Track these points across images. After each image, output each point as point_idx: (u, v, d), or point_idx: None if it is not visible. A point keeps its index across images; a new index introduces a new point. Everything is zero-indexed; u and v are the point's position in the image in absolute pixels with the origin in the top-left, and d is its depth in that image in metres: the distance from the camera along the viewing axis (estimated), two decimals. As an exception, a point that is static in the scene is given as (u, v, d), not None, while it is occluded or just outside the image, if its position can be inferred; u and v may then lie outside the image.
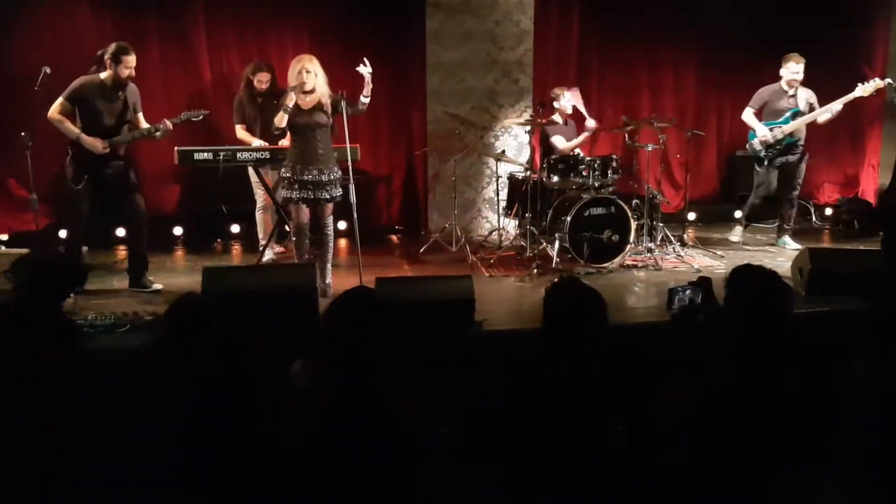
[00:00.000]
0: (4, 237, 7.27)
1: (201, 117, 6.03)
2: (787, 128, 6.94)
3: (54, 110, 5.62)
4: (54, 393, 3.13)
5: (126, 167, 5.89)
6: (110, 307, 5.30)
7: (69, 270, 3.67)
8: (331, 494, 2.76)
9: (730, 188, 9.07)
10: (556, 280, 3.30)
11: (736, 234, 7.45)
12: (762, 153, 7.06)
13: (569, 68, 8.35)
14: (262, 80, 6.93)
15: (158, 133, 5.82)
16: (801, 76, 6.91)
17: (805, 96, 6.99)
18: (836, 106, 6.84)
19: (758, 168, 7.19)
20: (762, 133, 7.00)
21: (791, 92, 6.96)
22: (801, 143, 7.06)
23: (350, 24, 7.82)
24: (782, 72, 6.96)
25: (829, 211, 8.51)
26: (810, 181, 8.36)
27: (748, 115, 7.18)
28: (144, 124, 5.87)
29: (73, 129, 5.62)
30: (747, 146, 7.24)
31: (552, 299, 3.06)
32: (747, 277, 3.22)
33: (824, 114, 6.92)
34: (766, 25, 8.59)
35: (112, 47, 5.65)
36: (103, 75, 5.66)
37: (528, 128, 7.19)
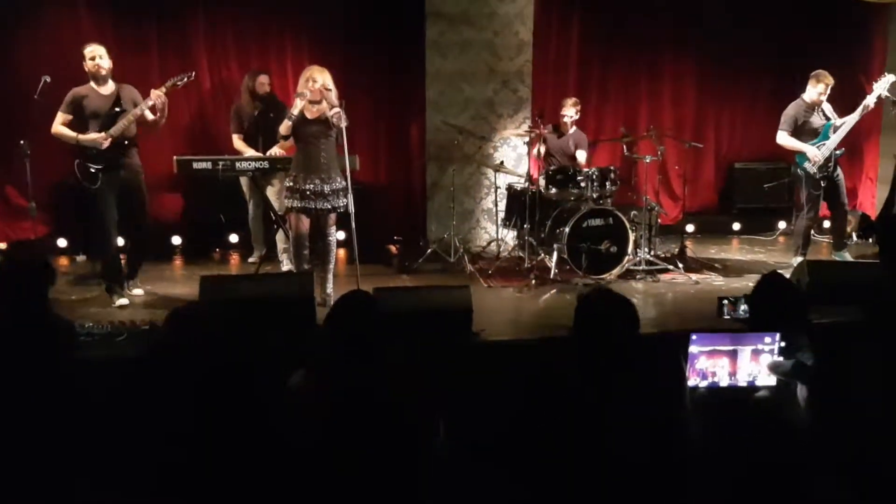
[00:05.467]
0: (2, 245, 7.27)
1: (185, 80, 5.85)
2: (831, 143, 6.72)
3: (55, 124, 5.64)
4: (45, 399, 3.12)
5: (139, 178, 5.86)
6: (107, 316, 5.30)
7: (34, 270, 3.57)
8: (332, 499, 2.76)
9: (728, 200, 9.08)
10: (589, 289, 3.26)
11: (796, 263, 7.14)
12: (817, 175, 6.77)
13: (568, 79, 8.38)
14: (263, 83, 6.96)
15: (147, 111, 5.68)
16: (828, 93, 6.77)
17: (826, 107, 6.85)
18: (869, 101, 6.72)
19: (813, 191, 6.84)
20: (813, 154, 6.72)
21: (818, 108, 6.80)
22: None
23: (349, 34, 7.85)
24: (816, 89, 6.73)
25: (827, 224, 8.50)
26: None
27: (786, 139, 6.86)
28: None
29: (70, 133, 5.63)
30: (798, 171, 6.90)
31: (585, 307, 3.02)
32: (770, 287, 3.27)
33: (854, 118, 6.76)
34: (764, 38, 8.64)
35: None
36: (89, 81, 5.70)
37: (527, 139, 7.20)
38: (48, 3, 7.24)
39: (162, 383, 2.95)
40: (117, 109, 5.69)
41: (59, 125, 5.65)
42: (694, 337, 3.47)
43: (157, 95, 5.66)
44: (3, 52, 7.15)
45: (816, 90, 6.76)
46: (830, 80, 6.75)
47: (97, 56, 5.65)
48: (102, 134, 5.62)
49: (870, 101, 6.75)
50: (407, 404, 2.91)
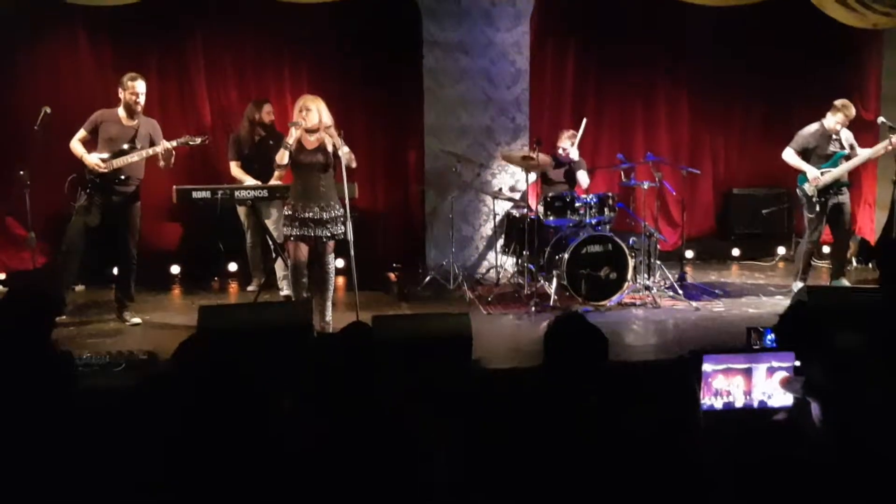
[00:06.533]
0: (2, 276, 7.25)
1: (199, 142, 6.15)
2: (837, 172, 6.78)
3: (74, 138, 5.91)
4: (44, 431, 3.10)
5: (133, 207, 6.03)
6: (105, 346, 5.27)
7: (41, 300, 3.55)
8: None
9: (726, 225, 9.09)
10: (556, 316, 3.29)
11: (797, 287, 6.93)
12: (814, 198, 6.85)
13: (564, 106, 8.42)
14: (269, 112, 7.02)
15: (150, 152, 5.94)
16: (846, 124, 6.85)
17: (846, 136, 6.90)
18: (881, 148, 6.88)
19: (808, 214, 6.95)
20: (814, 175, 6.78)
21: (835, 136, 6.86)
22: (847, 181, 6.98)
23: (348, 62, 7.90)
24: (834, 118, 6.77)
25: (826, 249, 8.51)
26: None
27: (791, 156, 6.92)
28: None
29: (80, 150, 5.89)
30: (797, 190, 7.01)
31: (552, 335, 3.04)
32: (797, 317, 3.31)
33: (870, 153, 6.91)
34: (758, 63, 8.68)
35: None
36: (120, 106, 5.96)
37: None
38: (48, 32, 7.28)
39: (160, 413, 2.93)
40: (129, 145, 5.90)
41: (76, 140, 5.91)
42: (707, 358, 3.48)
43: (167, 149, 5.93)
44: (3, 82, 7.18)
45: (834, 119, 6.80)
46: (851, 113, 6.79)
47: (140, 94, 5.91)
48: (102, 161, 5.80)
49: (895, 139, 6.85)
50: (406, 433, 2.89)
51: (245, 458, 2.87)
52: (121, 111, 5.94)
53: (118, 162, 5.84)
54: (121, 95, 5.94)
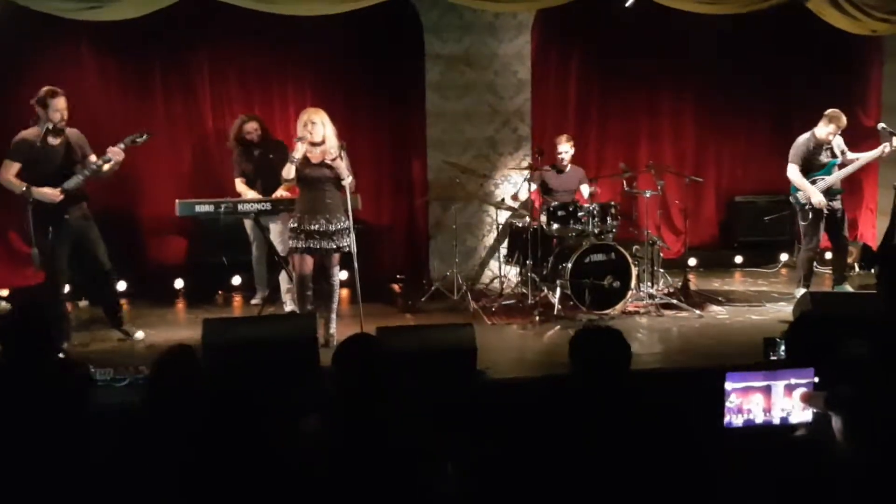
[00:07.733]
0: (5, 292, 7.26)
1: (145, 137, 5.82)
2: (830, 179, 6.85)
3: (4, 172, 5.47)
4: (57, 452, 3.10)
5: (91, 225, 5.79)
6: (109, 361, 5.27)
7: (36, 325, 3.50)
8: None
9: (729, 234, 9.09)
10: (583, 325, 3.29)
11: (799, 294, 6.92)
12: (808, 206, 6.90)
13: (567, 116, 8.43)
14: (250, 131, 6.90)
15: (106, 166, 5.62)
16: (837, 134, 6.91)
17: (837, 143, 6.96)
18: (877, 152, 6.98)
19: (801, 222, 7.03)
20: (818, 200, 6.83)
21: (827, 146, 6.91)
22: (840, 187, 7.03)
23: (351, 76, 7.92)
24: (826, 129, 6.80)
25: (828, 255, 8.50)
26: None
27: (795, 174, 6.95)
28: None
29: (18, 183, 5.43)
30: (790, 198, 7.10)
31: (579, 344, 3.02)
32: (805, 326, 3.31)
33: (867, 157, 7.01)
34: (761, 72, 8.69)
35: (41, 92, 5.52)
36: (41, 125, 5.51)
37: (528, 174, 7.23)
38: (52, 48, 7.30)
39: (161, 432, 2.94)
40: (68, 161, 5.60)
41: (10, 176, 5.44)
42: (729, 375, 3.50)
43: (116, 153, 5.61)
44: (5, 95, 7.20)
45: (827, 129, 6.82)
46: (842, 123, 6.82)
47: (63, 109, 5.49)
48: (56, 191, 5.47)
49: (876, 152, 6.91)
50: (413, 445, 2.89)
51: (247, 470, 2.87)
52: (43, 131, 5.46)
53: (71, 185, 5.51)
54: (40, 115, 5.48)
